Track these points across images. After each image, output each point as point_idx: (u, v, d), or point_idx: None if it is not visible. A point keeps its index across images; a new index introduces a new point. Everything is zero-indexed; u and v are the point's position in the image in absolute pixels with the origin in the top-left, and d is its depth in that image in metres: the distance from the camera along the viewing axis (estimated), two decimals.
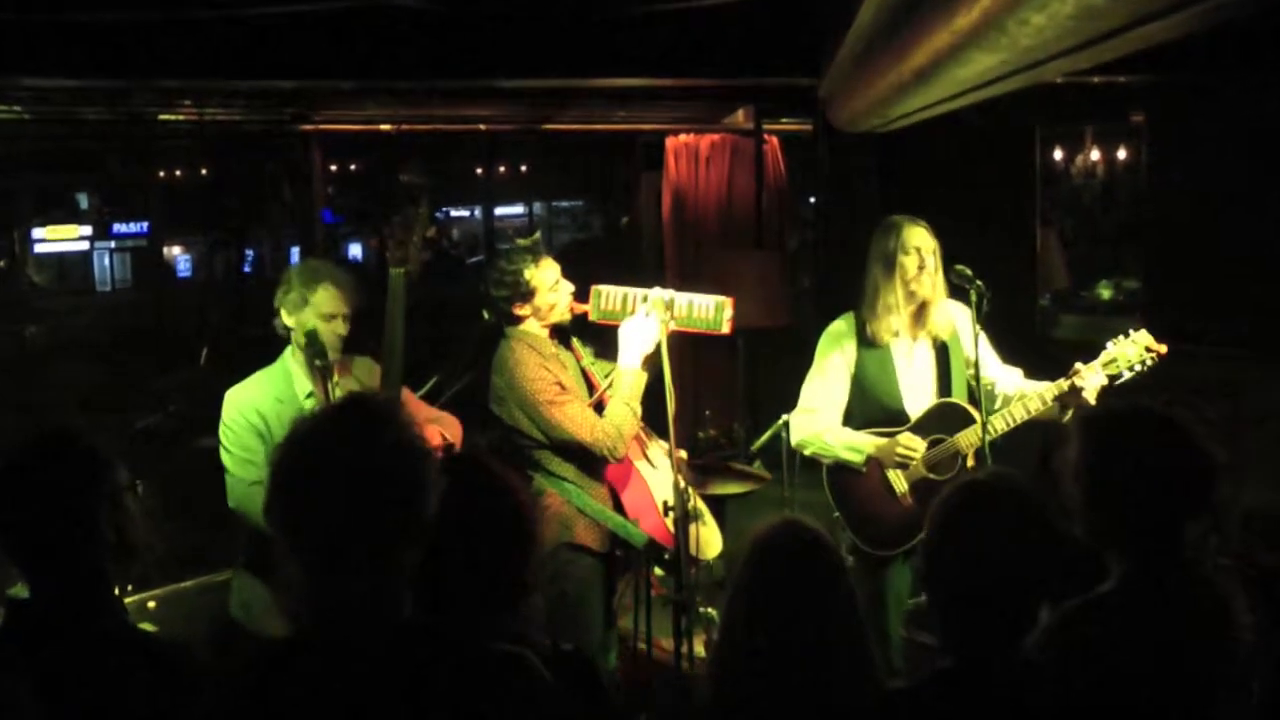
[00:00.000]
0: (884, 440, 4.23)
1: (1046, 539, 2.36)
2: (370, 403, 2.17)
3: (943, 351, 4.29)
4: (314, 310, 3.95)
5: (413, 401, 4.30)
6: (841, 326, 4.39)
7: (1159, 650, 2.45)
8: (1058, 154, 8.99)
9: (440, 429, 4.08)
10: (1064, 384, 4.04)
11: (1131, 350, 4.00)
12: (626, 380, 4.07)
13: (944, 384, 4.25)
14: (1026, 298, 7.12)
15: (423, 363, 5.68)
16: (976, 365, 3.99)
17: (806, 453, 4.42)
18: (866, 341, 4.29)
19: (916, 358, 4.30)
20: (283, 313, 4.00)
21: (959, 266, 4.07)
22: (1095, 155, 9.40)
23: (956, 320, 4.30)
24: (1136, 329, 4.05)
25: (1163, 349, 4.00)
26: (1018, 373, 4.34)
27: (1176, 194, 6.61)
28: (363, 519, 2.00)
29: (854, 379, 4.33)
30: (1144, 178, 7.23)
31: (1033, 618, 2.37)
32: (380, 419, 2.09)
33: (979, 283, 3.98)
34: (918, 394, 4.28)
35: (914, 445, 4.18)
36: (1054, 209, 9.25)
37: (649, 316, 4.06)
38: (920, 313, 4.24)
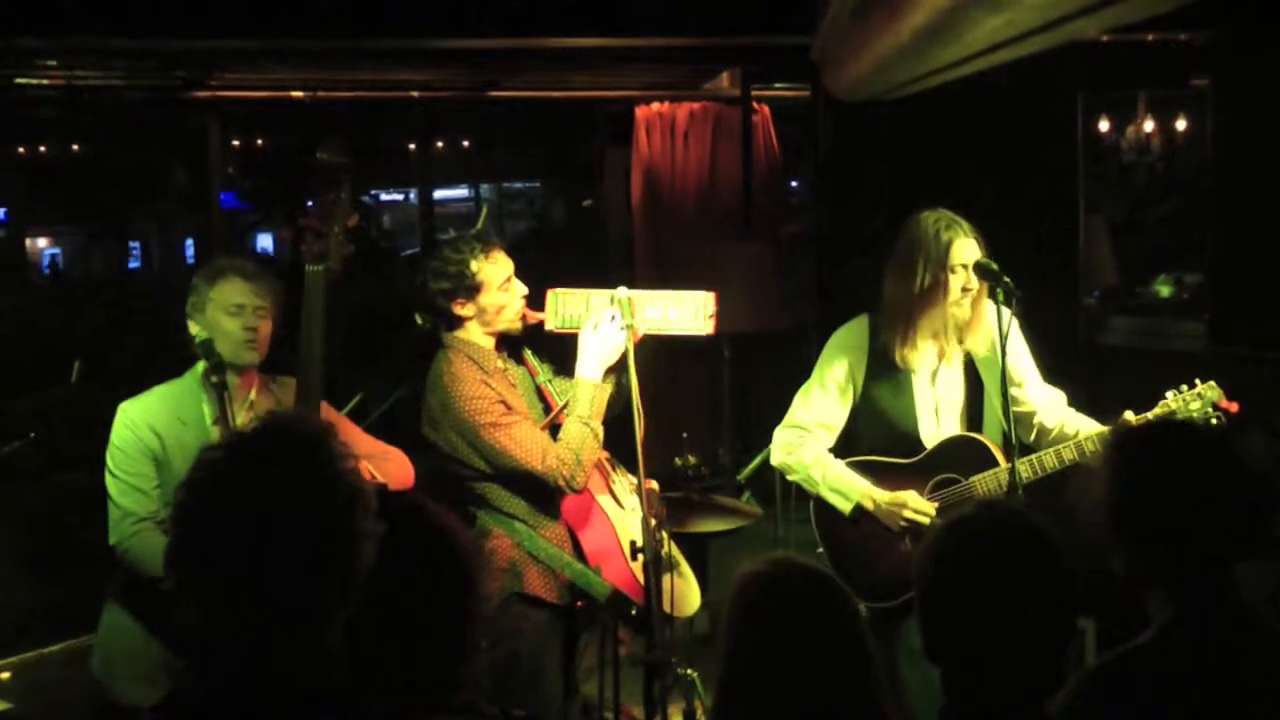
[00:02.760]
0: (884, 496, 4.25)
1: (1054, 578, 2.39)
2: (293, 428, 2.18)
3: (973, 370, 4.31)
4: (217, 306, 3.99)
5: (348, 429, 4.30)
6: (853, 333, 4.41)
7: (1206, 710, 2.47)
8: (1104, 125, 9.02)
9: (371, 467, 4.07)
10: (1106, 434, 4.03)
11: (1195, 405, 4.01)
12: (584, 394, 4.08)
13: (974, 411, 4.28)
14: (1068, 297, 7.14)
15: (344, 377, 5.67)
16: (1004, 380, 3.99)
17: (789, 478, 4.47)
18: (883, 358, 4.31)
19: (942, 377, 4.32)
20: (190, 324, 4.03)
21: (982, 259, 4.10)
22: (1149, 126, 9.43)
23: (996, 330, 4.26)
24: (1205, 380, 4.05)
25: (1233, 406, 4.02)
26: (1061, 397, 4.36)
27: (1247, 172, 6.65)
28: (280, 571, 2.01)
29: (862, 397, 4.36)
30: (1208, 153, 7.26)
31: (1050, 672, 2.39)
32: (306, 448, 2.10)
33: (1008, 279, 3.99)
34: (941, 420, 4.31)
35: (923, 509, 4.20)
36: (1100, 191, 9.28)
37: (613, 320, 4.08)
38: (956, 330, 4.27)
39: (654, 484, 4.12)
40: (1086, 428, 4.19)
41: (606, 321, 4.10)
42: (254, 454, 2.11)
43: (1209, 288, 7.40)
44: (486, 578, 3.76)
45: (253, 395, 4.05)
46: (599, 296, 4.19)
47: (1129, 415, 4.05)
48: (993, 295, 4.02)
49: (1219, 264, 6.91)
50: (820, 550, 4.39)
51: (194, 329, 4.01)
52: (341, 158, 3.95)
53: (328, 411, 4.05)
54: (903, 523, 4.20)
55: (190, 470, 2.11)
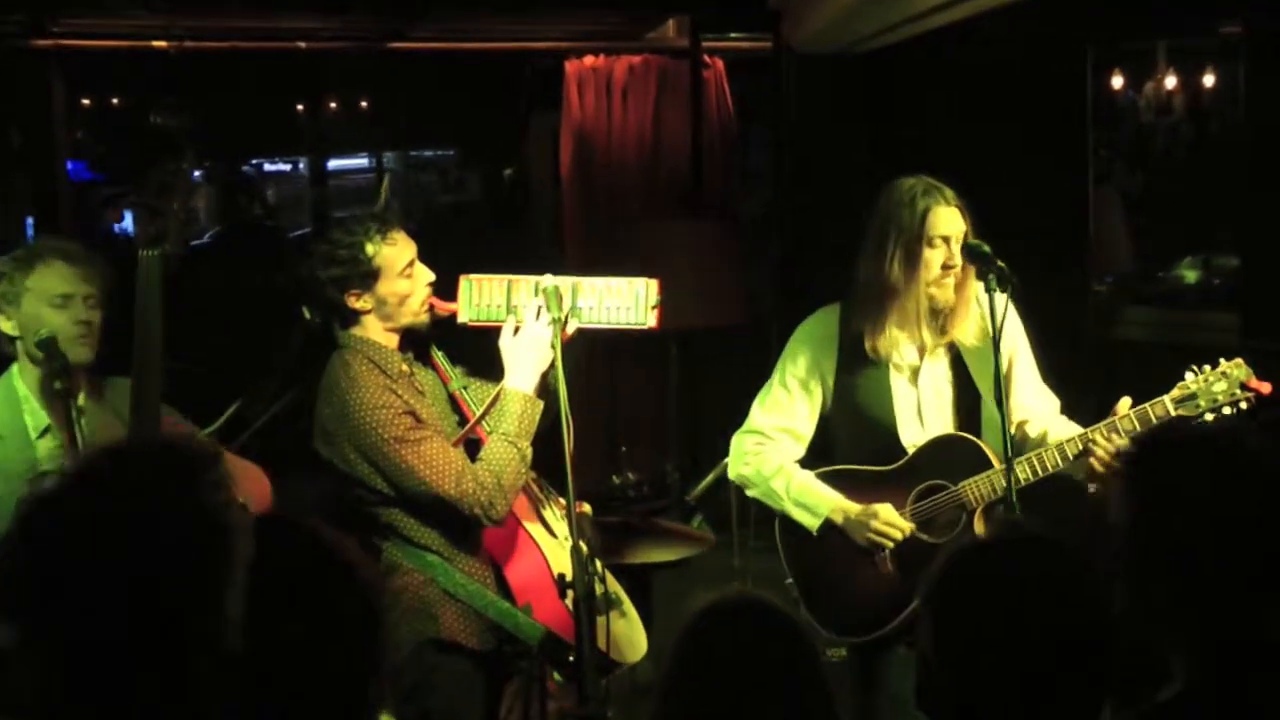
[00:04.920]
0: (854, 508, 4.31)
1: (1090, 617, 2.40)
2: (152, 455, 2.16)
3: (963, 367, 4.35)
4: (37, 297, 3.98)
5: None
6: (820, 325, 4.46)
7: None
8: (1118, 82, 9.07)
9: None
10: (1116, 424, 4.10)
11: (1219, 386, 4.07)
12: (513, 409, 4.08)
13: (967, 413, 4.33)
14: (1076, 283, 7.21)
15: (218, 382, 5.65)
16: (997, 380, 4.02)
17: (749, 493, 4.51)
18: (856, 352, 4.35)
19: (926, 375, 4.37)
20: (0, 318, 4.02)
21: (973, 241, 4.14)
22: (1171, 83, 9.48)
23: (986, 314, 4.29)
24: (1230, 359, 4.11)
25: (1265, 387, 4.08)
26: (1053, 404, 4.43)
27: None
28: (139, 622, 2.01)
29: (834, 398, 4.41)
30: (1241, 113, 7.33)
31: None
32: (166, 481, 2.09)
33: (1001, 263, 4.02)
34: (927, 424, 4.36)
35: (895, 523, 4.26)
36: (1114, 159, 9.33)
37: (539, 315, 4.08)
38: (936, 317, 4.32)
39: (586, 507, 4.13)
40: (1070, 433, 4.23)
41: (531, 319, 4.10)
42: (99, 486, 2.09)
43: (1242, 272, 7.47)
44: (393, 620, 3.77)
45: (81, 399, 4.01)
46: (523, 284, 4.19)
47: (1125, 404, 4.11)
48: (984, 281, 4.03)
49: (1253, 244, 6.98)
50: (789, 580, 4.42)
51: (4, 326, 4.02)
52: (180, 120, 3.93)
53: (172, 420, 4.05)
54: (870, 536, 4.25)
55: (20, 505, 2.08)
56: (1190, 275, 9.22)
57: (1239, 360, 4.10)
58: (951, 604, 2.46)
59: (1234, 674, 2.48)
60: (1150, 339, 7.69)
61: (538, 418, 4.12)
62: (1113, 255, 8.30)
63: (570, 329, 4.12)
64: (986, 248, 4.08)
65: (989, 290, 3.99)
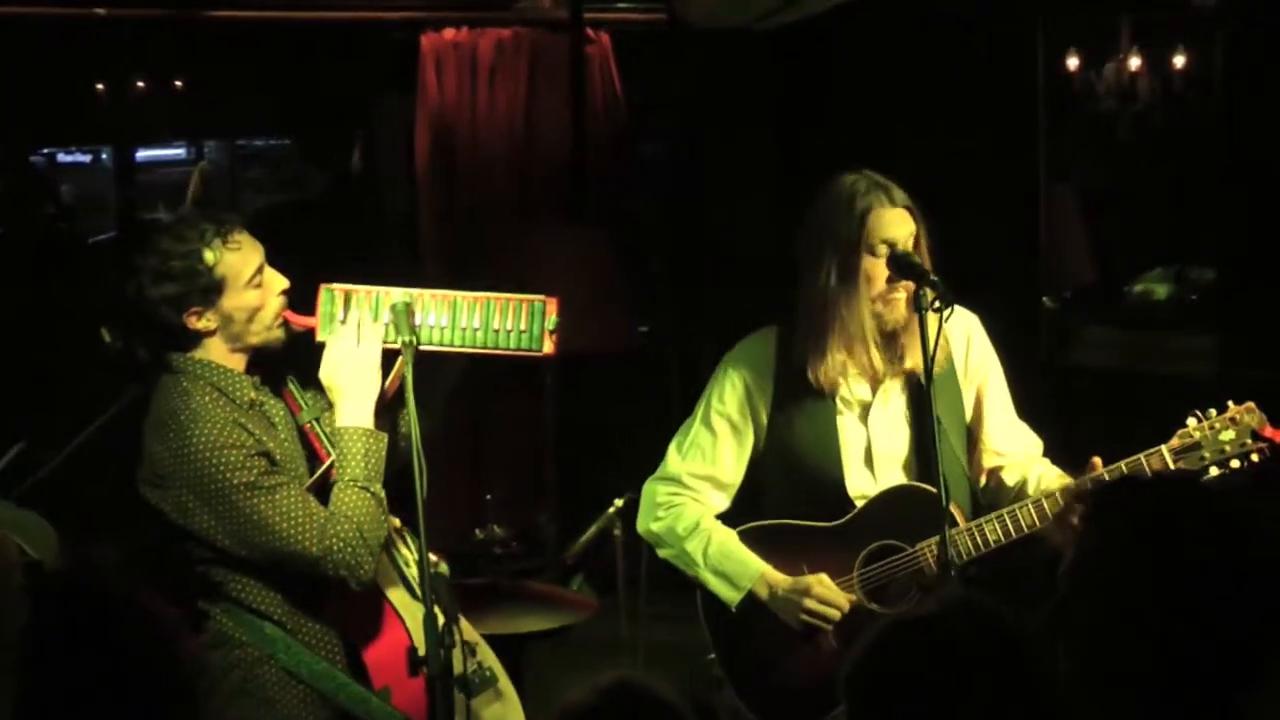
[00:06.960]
0: (783, 580, 4.31)
1: (1040, 706, 2.43)
2: None
3: (920, 397, 4.32)
4: None
5: None
6: (752, 352, 4.47)
7: None
8: (1074, 63, 9.15)
9: (15, 538, 3.99)
10: (1071, 489, 4.14)
11: (1227, 435, 4.10)
12: (356, 449, 4.03)
13: (927, 460, 4.28)
14: (1026, 297, 7.29)
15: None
16: (929, 415, 4.07)
17: (660, 553, 4.51)
18: (796, 384, 4.37)
19: (878, 415, 4.39)
20: None
21: (901, 250, 4.16)
22: (1135, 63, 9.58)
23: (956, 342, 4.38)
24: (1241, 404, 4.13)
25: None
26: (1035, 445, 4.48)
27: (1269, 124, 6.80)
28: None
29: (768, 437, 4.43)
30: (1218, 100, 7.44)
31: None
32: None
33: (936, 277, 4.05)
34: (878, 472, 4.38)
35: (834, 600, 4.26)
36: (1072, 153, 9.41)
37: (366, 334, 4.05)
38: (892, 342, 4.32)
39: (442, 566, 4.10)
40: (1055, 479, 4.28)
41: (351, 334, 4.05)
42: None
43: (1220, 286, 7.58)
44: (216, 705, 3.74)
45: None
46: (395, 297, 4.09)
47: (1097, 462, 4.13)
48: (916, 299, 4.04)
49: (1234, 253, 7.08)
50: (711, 657, 4.42)
51: None
52: None
53: None
54: (803, 617, 4.25)
55: None
56: (1161, 290, 9.33)
57: (1251, 405, 4.12)
58: (872, 693, 2.49)
59: None
60: (1114, 365, 7.77)
61: (384, 453, 4.09)
62: (1069, 266, 8.37)
63: (461, 347, 4.10)
64: (916, 258, 4.11)
65: (919, 309, 4.00)
